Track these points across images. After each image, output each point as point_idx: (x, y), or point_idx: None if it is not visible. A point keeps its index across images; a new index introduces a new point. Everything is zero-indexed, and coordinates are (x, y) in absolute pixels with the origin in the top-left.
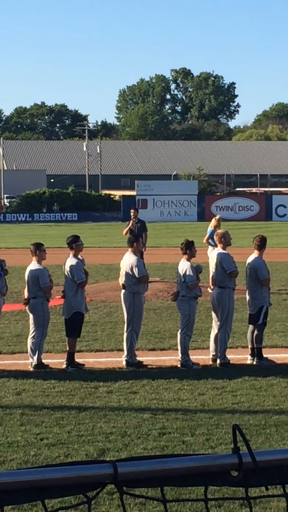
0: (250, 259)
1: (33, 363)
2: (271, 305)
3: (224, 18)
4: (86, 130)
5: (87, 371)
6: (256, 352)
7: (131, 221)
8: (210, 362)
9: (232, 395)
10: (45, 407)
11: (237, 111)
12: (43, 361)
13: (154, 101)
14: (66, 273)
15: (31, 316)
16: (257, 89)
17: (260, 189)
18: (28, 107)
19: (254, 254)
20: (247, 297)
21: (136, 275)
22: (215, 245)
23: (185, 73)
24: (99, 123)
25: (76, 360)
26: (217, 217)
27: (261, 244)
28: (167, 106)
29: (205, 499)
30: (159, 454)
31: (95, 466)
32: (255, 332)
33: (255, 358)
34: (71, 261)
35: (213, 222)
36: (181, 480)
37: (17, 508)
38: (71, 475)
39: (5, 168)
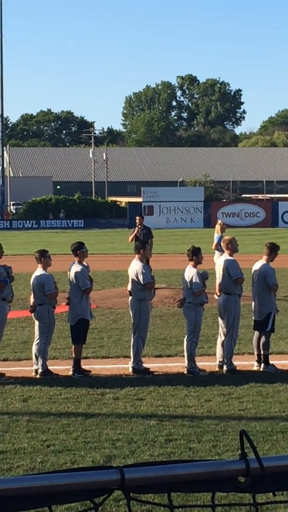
0: (257, 265)
1: (39, 370)
2: (278, 312)
3: (230, 25)
4: (92, 137)
5: (94, 377)
6: (263, 359)
7: (137, 228)
8: (217, 369)
9: (238, 402)
10: (51, 413)
11: (243, 117)
12: (49, 367)
13: (160, 108)
14: (71, 279)
15: (36, 322)
16: (263, 95)
17: (266, 195)
18: (34, 114)
19: (262, 260)
20: (253, 303)
21: (142, 282)
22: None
23: (191, 80)
24: (105, 130)
25: (83, 366)
26: (219, 221)
27: (271, 250)
28: (173, 113)
29: (212, 505)
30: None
31: (102, 472)
32: (263, 339)
33: (262, 365)
34: (76, 267)
35: (218, 227)
36: (188, 486)
37: None
38: (78, 481)
39: (12, 175)
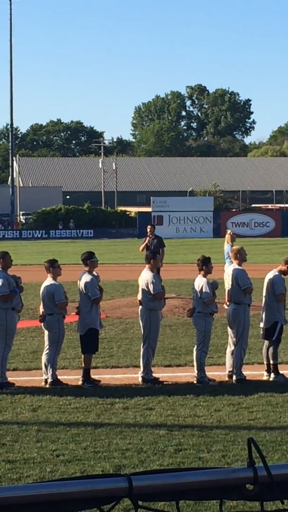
0: (270, 274)
1: (48, 380)
2: (287, 323)
3: (239, 35)
4: (102, 147)
5: (103, 387)
6: (273, 368)
7: (148, 238)
8: (226, 378)
9: (248, 412)
10: (61, 423)
11: (253, 127)
12: (59, 377)
13: (169, 118)
14: (80, 289)
15: (46, 332)
16: (273, 105)
17: (276, 205)
18: (44, 124)
19: (275, 270)
20: (263, 312)
21: (152, 292)
22: None
23: (201, 90)
24: (115, 140)
25: (92, 376)
26: (229, 231)
27: (286, 262)
28: (182, 123)
29: None
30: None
31: (110, 480)
32: (271, 349)
33: (272, 374)
34: (85, 277)
35: (228, 237)
36: (196, 494)
37: None
38: (86, 489)
39: (21, 185)
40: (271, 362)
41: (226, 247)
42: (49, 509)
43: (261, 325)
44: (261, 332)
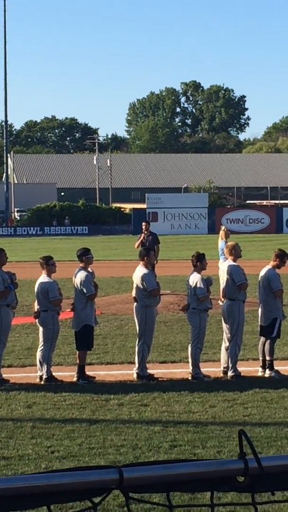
0: (263, 271)
1: (43, 376)
2: (285, 318)
3: (234, 32)
4: (96, 144)
5: (98, 384)
6: (268, 364)
7: (143, 234)
8: (221, 375)
9: (243, 407)
10: (56, 420)
11: (247, 124)
12: (53, 374)
13: (164, 114)
14: (75, 285)
15: (40, 328)
16: (267, 101)
17: (271, 201)
18: (38, 121)
19: (268, 266)
20: (259, 309)
21: (147, 288)
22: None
23: (195, 86)
24: (109, 137)
25: (87, 373)
26: (223, 228)
27: (277, 256)
28: (177, 119)
29: (211, 505)
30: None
31: (100, 472)
32: (267, 345)
33: (267, 370)
34: (80, 274)
35: (222, 233)
36: (187, 485)
37: None
38: (77, 481)
39: (16, 182)
40: (267, 358)
41: (221, 243)
42: (39, 501)
43: (259, 322)
44: (258, 329)
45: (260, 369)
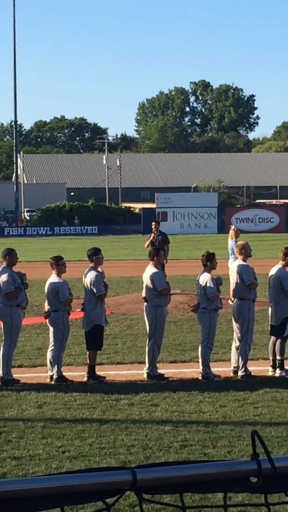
0: (273, 270)
1: (53, 376)
2: None
3: (243, 31)
4: (106, 143)
5: (108, 383)
6: (279, 364)
7: (153, 234)
8: (231, 374)
9: (253, 407)
10: (66, 420)
11: (257, 123)
12: (64, 374)
13: (173, 114)
14: (85, 285)
15: (51, 328)
16: (277, 101)
17: (280, 200)
18: (48, 121)
19: (278, 265)
20: (270, 309)
21: (157, 288)
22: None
23: (205, 86)
24: (119, 136)
25: (97, 373)
26: (233, 227)
27: (286, 255)
28: (186, 119)
29: (224, 506)
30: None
31: (114, 473)
32: (278, 344)
33: (277, 370)
34: (90, 273)
35: (232, 232)
36: (200, 486)
37: None
38: (90, 482)
39: (25, 182)
40: (278, 357)
41: (230, 242)
42: (52, 502)
43: (270, 322)
44: (268, 329)
45: (271, 368)
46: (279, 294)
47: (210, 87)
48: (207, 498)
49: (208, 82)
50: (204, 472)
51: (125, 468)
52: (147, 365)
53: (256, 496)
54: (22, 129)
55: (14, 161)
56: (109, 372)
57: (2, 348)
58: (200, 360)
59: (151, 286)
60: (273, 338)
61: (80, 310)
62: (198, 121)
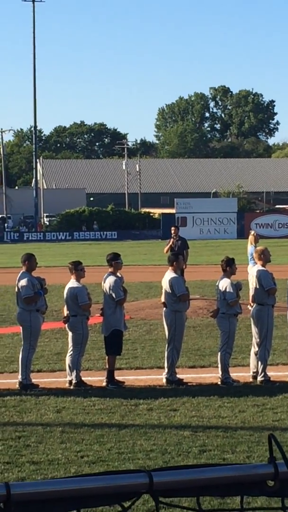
0: None
1: (73, 381)
2: None
3: (263, 36)
4: (125, 149)
5: (127, 388)
6: None
7: (172, 239)
8: (251, 379)
9: (272, 412)
10: (85, 424)
11: (277, 128)
12: (83, 379)
13: (193, 119)
14: (104, 290)
15: (70, 333)
16: None
17: None
18: (67, 126)
19: None
20: None
21: (176, 294)
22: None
23: (224, 91)
24: (138, 142)
25: (116, 377)
26: (253, 232)
27: None
28: (206, 124)
29: (241, 509)
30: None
31: (130, 476)
32: None
33: None
34: (110, 278)
35: (251, 238)
36: (217, 490)
37: None
38: (107, 485)
39: (45, 187)
40: None
41: (250, 248)
42: (70, 505)
43: None
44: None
45: None
46: None
47: (230, 93)
48: (226, 503)
49: (228, 88)
50: (221, 476)
51: (141, 471)
52: (166, 370)
53: (275, 501)
54: (42, 135)
55: (34, 167)
56: (128, 377)
57: (21, 353)
58: (219, 365)
59: (170, 291)
60: None
61: (99, 315)
62: (217, 126)
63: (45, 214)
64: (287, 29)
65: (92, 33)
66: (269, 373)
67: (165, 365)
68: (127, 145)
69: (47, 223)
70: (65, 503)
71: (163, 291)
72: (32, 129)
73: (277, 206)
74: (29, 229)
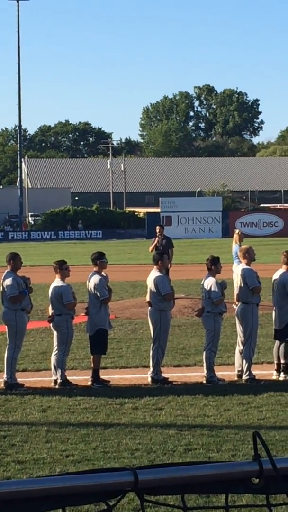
0: (277, 274)
1: (58, 380)
2: None
3: (247, 35)
4: (110, 148)
5: (113, 387)
6: (283, 368)
7: (157, 238)
8: (236, 378)
9: (258, 411)
10: (70, 424)
11: (261, 127)
12: (68, 378)
13: (177, 118)
14: (89, 289)
15: (55, 333)
16: (281, 105)
17: (285, 205)
18: (52, 126)
19: (282, 269)
20: (274, 313)
21: (161, 293)
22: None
23: (209, 90)
24: (123, 141)
25: (101, 377)
26: (237, 231)
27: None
28: (190, 123)
29: (226, 507)
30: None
31: (115, 474)
32: (282, 348)
33: (282, 374)
34: (94, 278)
35: (236, 237)
36: (202, 487)
37: None
38: (92, 483)
39: (30, 186)
40: (282, 361)
41: (235, 247)
42: (55, 503)
43: (274, 326)
44: (272, 333)
45: (275, 372)
46: (283, 298)
47: (215, 92)
48: (211, 502)
49: (213, 87)
50: (206, 473)
51: (126, 469)
52: (151, 369)
53: (260, 499)
54: (27, 134)
55: (18, 166)
56: (114, 376)
57: (6, 352)
58: (204, 364)
59: (155, 290)
60: (277, 342)
61: (84, 314)
62: (202, 125)
63: (30, 214)
64: (272, 28)
65: (77, 32)
66: (254, 372)
67: (150, 364)
68: (112, 144)
69: (32, 222)
70: (50, 501)
71: (148, 290)
72: (17, 128)
73: (262, 205)
74: (14, 228)
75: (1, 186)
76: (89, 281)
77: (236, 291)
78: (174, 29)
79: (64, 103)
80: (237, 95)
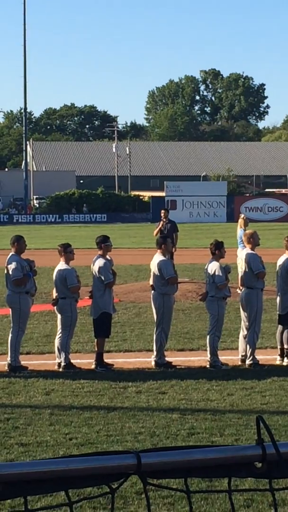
0: (281, 259)
1: (61, 363)
2: None
3: (254, 19)
4: (116, 131)
5: (116, 371)
6: (286, 353)
7: (162, 222)
8: (239, 363)
9: (261, 396)
10: (74, 407)
11: (267, 112)
12: (72, 361)
13: (183, 102)
14: (94, 273)
15: (59, 316)
16: (287, 90)
17: None
18: (57, 109)
19: (286, 255)
20: (278, 298)
21: (164, 277)
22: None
23: (215, 74)
24: (129, 124)
25: (105, 360)
26: (242, 215)
27: None
28: (196, 107)
29: (228, 491)
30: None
31: (118, 457)
32: (286, 333)
33: (285, 359)
34: (99, 261)
35: (241, 222)
36: (205, 471)
37: (40, 498)
38: (95, 466)
39: (35, 169)
40: (285, 346)
41: (239, 231)
42: (57, 485)
43: (277, 311)
44: (276, 318)
45: (278, 357)
46: (286, 283)
47: (221, 76)
48: (214, 486)
49: (219, 71)
50: (209, 457)
51: (129, 452)
52: (155, 353)
53: (262, 484)
54: (32, 117)
55: (24, 149)
56: (117, 360)
57: (10, 335)
58: (208, 348)
59: (158, 274)
60: (280, 327)
61: (88, 297)
62: (208, 109)
63: (35, 197)
64: (278, 13)
65: (83, 16)
66: (258, 357)
67: (154, 348)
68: (117, 127)
69: (37, 205)
70: (53, 484)
71: (152, 274)
72: (22, 111)
73: (267, 190)
74: (18, 211)
75: (6, 169)
76: (93, 265)
77: (240, 276)
78: (180, 12)
79: (70, 86)
80: (243, 80)
